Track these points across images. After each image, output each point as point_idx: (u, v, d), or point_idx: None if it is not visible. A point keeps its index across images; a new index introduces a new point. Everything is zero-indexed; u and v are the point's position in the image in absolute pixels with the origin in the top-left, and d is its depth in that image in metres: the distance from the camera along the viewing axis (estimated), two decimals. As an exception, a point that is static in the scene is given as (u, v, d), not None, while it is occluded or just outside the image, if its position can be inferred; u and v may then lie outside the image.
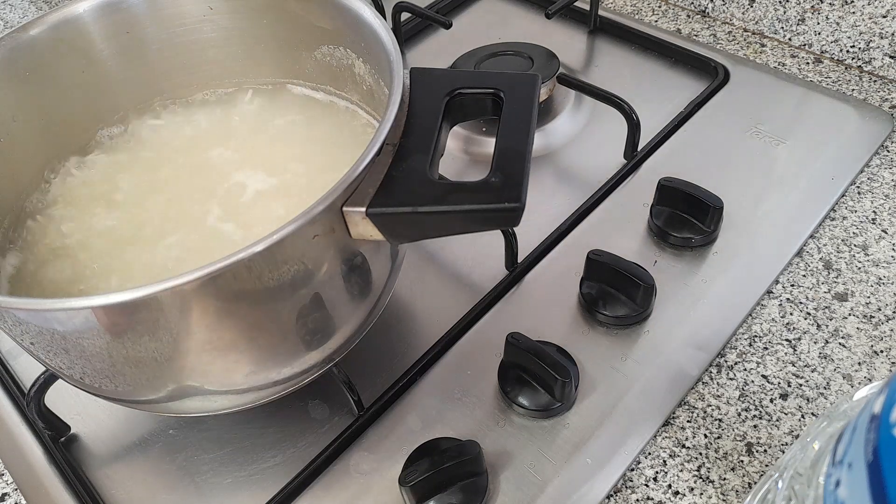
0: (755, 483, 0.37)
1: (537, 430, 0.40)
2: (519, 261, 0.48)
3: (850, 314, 0.44)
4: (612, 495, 0.38)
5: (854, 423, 0.24)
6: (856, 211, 0.49)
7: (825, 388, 0.41)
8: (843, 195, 0.50)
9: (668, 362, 0.42)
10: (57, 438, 0.43)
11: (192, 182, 0.43)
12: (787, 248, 0.47)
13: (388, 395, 0.42)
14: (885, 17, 0.56)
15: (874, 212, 0.49)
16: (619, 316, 0.44)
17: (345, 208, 0.31)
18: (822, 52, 0.61)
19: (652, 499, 0.37)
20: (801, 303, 0.45)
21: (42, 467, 0.41)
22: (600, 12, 0.66)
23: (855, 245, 0.47)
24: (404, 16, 0.67)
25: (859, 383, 0.41)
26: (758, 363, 0.42)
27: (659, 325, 0.44)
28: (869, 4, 0.57)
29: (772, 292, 0.45)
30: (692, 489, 0.38)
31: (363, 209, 0.31)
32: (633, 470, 0.39)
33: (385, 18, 0.46)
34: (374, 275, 0.37)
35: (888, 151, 0.53)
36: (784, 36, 0.63)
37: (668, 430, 0.40)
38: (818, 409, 0.40)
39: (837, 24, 0.59)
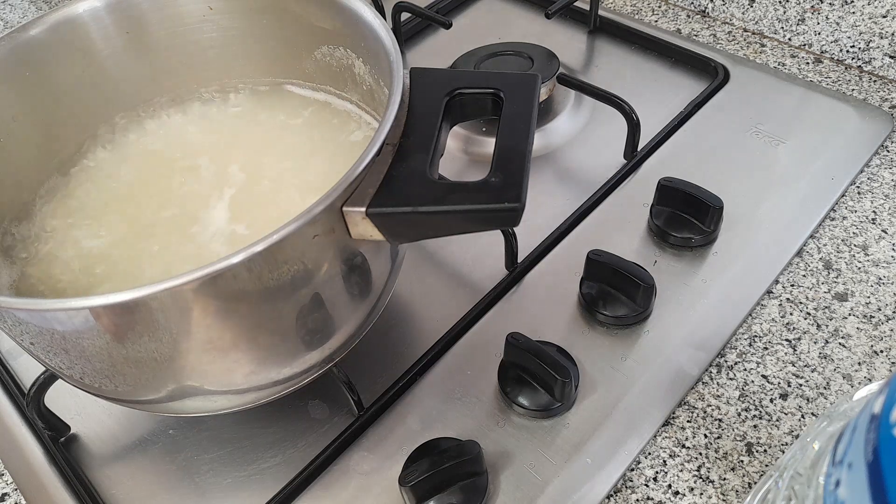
0: (755, 483, 0.37)
1: (537, 430, 0.40)
2: (519, 261, 0.48)
3: (850, 314, 0.44)
4: (612, 495, 0.38)
5: (854, 423, 0.24)
6: (856, 211, 0.49)
7: (825, 388, 0.41)
8: (843, 195, 0.50)
9: (668, 362, 0.42)
10: (57, 438, 0.43)
11: (192, 182, 0.43)
12: (787, 248, 0.47)
13: (388, 395, 0.42)
14: (885, 17, 0.56)
15: (874, 212, 0.49)
16: (619, 316, 0.44)
17: (345, 208, 0.31)
18: (822, 52, 0.61)
19: (652, 499, 0.37)
20: (801, 303, 0.45)
21: (42, 467, 0.41)
22: (600, 12, 0.66)
23: (855, 245, 0.47)
24: (404, 16, 0.67)
25: (859, 383, 0.41)
26: (758, 363, 0.42)
27: (659, 325, 0.44)
28: (869, 4, 0.57)
29: (772, 292, 0.45)
30: (692, 489, 0.38)
31: (363, 209, 0.31)
32: (633, 470, 0.39)
33: (385, 18, 0.46)
34: (374, 275, 0.37)
35: (888, 151, 0.53)
36: (784, 36, 0.63)
37: (668, 430, 0.40)
38: (818, 409, 0.40)
39: (837, 24, 0.59)
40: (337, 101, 0.46)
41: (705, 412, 0.40)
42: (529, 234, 0.49)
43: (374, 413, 0.41)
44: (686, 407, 0.41)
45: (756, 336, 0.43)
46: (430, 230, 0.34)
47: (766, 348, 0.43)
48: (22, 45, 0.41)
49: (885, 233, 0.48)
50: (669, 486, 0.38)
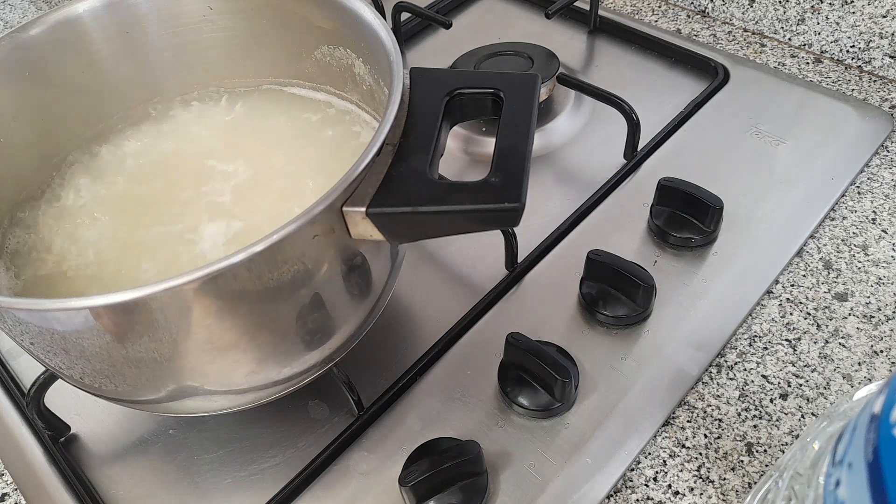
0: (755, 483, 0.37)
1: (537, 430, 0.40)
2: (519, 261, 0.48)
3: (850, 314, 0.44)
4: (612, 495, 0.38)
5: (854, 423, 0.24)
6: (856, 211, 0.49)
7: (825, 388, 0.41)
8: (843, 195, 0.50)
9: (668, 362, 0.42)
10: (57, 438, 0.43)
11: (192, 183, 0.43)
12: (787, 248, 0.47)
13: (388, 395, 0.42)
14: (885, 17, 0.56)
15: (874, 212, 0.49)
16: (619, 316, 0.44)
17: (345, 208, 0.31)
18: (822, 52, 0.61)
19: (652, 499, 0.37)
20: (801, 303, 0.45)
21: (42, 467, 0.41)
22: (600, 12, 0.66)
23: (855, 245, 0.47)
24: (404, 16, 0.67)
25: (859, 383, 0.41)
26: (758, 363, 0.42)
27: (659, 325, 0.44)
28: (869, 4, 0.57)
29: (772, 292, 0.45)
30: (692, 489, 0.38)
31: (363, 209, 0.31)
32: (633, 470, 0.39)
33: (385, 18, 0.46)
34: (374, 275, 0.37)
35: (888, 151, 0.53)
36: (784, 36, 0.63)
37: (668, 430, 0.40)
38: (818, 409, 0.40)
39: (837, 24, 0.59)
40: (337, 101, 0.46)
41: (705, 412, 0.40)
42: (529, 234, 0.49)
43: (374, 413, 0.41)
44: (686, 407, 0.41)
45: (756, 336, 0.43)
46: (430, 230, 0.34)
47: (766, 348, 0.43)
48: (22, 45, 0.41)
49: (885, 233, 0.48)
50: (669, 486, 0.38)
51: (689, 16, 0.68)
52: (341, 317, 0.36)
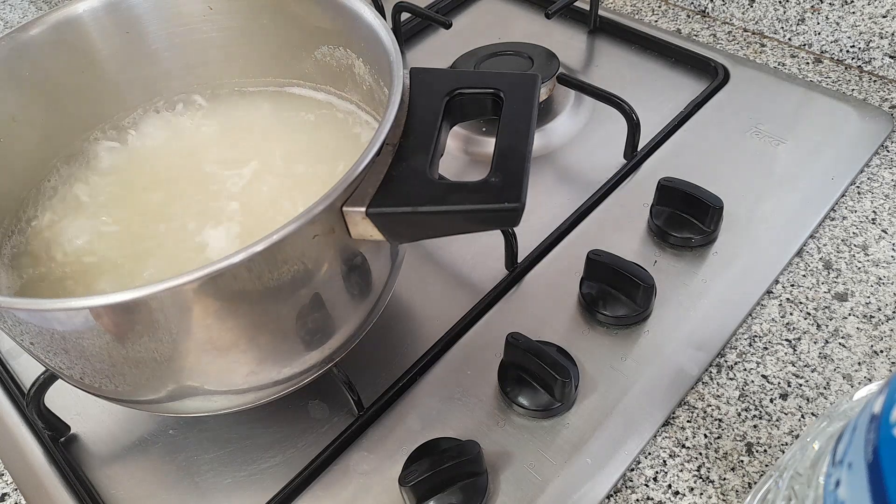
0: (755, 483, 0.37)
1: (537, 430, 0.40)
2: (519, 261, 0.48)
3: (850, 314, 0.44)
4: (612, 495, 0.38)
5: (854, 423, 0.24)
6: (856, 211, 0.49)
7: (825, 388, 0.41)
8: (843, 195, 0.50)
9: (668, 362, 0.42)
10: (57, 438, 0.43)
11: (193, 183, 0.43)
12: (787, 248, 0.47)
13: (388, 395, 0.42)
14: (885, 17, 0.56)
15: (874, 212, 0.49)
16: (619, 316, 0.44)
17: (345, 208, 0.31)
18: (822, 52, 0.61)
19: (652, 499, 0.38)
20: (801, 303, 0.45)
21: (42, 467, 0.41)
22: (600, 12, 0.66)
23: (855, 245, 0.47)
24: (404, 16, 0.67)
25: (859, 383, 0.41)
26: (758, 363, 0.42)
27: (659, 325, 0.44)
28: (869, 4, 0.57)
29: (772, 292, 0.45)
30: (692, 489, 0.38)
31: (363, 209, 0.31)
32: (633, 470, 0.39)
33: (385, 18, 0.46)
34: (374, 275, 0.37)
35: (888, 151, 0.53)
36: (784, 36, 0.63)
37: (668, 430, 0.40)
38: (818, 409, 0.40)
39: (837, 24, 0.59)
40: (338, 101, 0.46)
41: (705, 412, 0.40)
42: (529, 234, 0.49)
43: (374, 413, 0.41)
44: (686, 407, 0.41)
45: (756, 336, 0.43)
46: (430, 230, 0.34)
47: (766, 348, 0.43)
48: (22, 45, 0.41)
49: (885, 233, 0.48)
50: (669, 486, 0.38)
51: (689, 16, 0.68)
52: (341, 317, 0.36)
